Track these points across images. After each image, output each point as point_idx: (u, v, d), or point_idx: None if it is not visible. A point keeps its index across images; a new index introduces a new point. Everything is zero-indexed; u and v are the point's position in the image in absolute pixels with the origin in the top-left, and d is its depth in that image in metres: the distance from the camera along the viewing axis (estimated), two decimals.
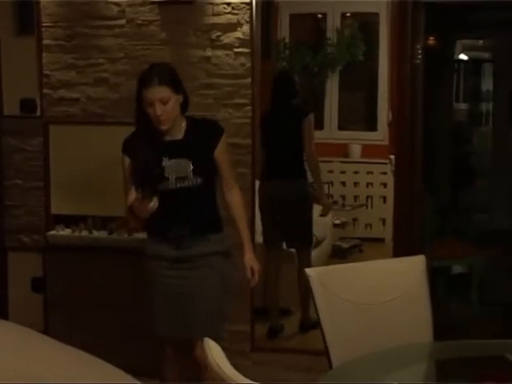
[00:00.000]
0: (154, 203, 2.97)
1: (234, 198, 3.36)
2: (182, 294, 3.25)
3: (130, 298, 4.26)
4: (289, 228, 4.91)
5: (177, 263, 3.25)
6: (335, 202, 6.92)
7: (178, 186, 3.16)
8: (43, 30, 4.33)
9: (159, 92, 3.09)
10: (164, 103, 3.10)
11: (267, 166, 4.97)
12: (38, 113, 4.41)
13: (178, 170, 3.14)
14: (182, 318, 3.27)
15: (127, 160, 3.21)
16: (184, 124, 3.25)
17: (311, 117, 4.93)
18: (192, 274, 3.25)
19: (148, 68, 3.24)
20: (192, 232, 3.23)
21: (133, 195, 3.01)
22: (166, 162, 3.17)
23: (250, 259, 3.34)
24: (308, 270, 2.79)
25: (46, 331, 4.27)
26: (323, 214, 5.13)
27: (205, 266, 3.26)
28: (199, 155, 3.22)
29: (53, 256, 4.43)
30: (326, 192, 6.23)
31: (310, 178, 4.99)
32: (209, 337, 3.43)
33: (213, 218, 3.33)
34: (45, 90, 4.38)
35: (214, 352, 1.94)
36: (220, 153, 3.28)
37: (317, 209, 5.09)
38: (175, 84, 3.17)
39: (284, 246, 5.06)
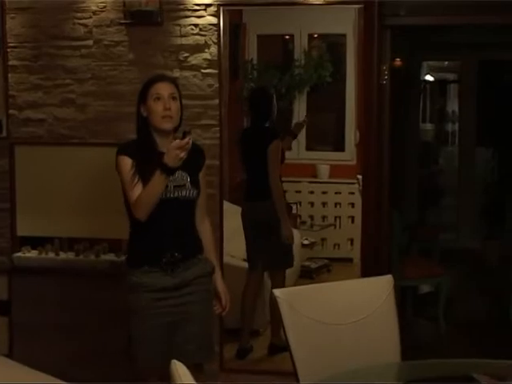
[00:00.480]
0: (190, 136, 2.92)
1: (205, 226, 3.33)
2: (181, 320, 3.15)
3: (98, 320, 4.22)
4: (268, 250, 4.80)
5: (173, 291, 3.13)
6: (303, 223, 6.92)
7: (177, 194, 3.12)
8: (9, 50, 4.31)
9: (170, 88, 3.17)
10: (173, 99, 3.15)
11: (247, 186, 4.92)
12: (4, 134, 4.38)
13: (175, 179, 3.09)
14: (177, 345, 3.14)
15: (128, 160, 3.11)
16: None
17: (276, 143, 4.73)
18: (190, 299, 3.16)
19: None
20: (184, 254, 3.15)
21: (139, 188, 3.01)
22: None
23: (222, 286, 3.32)
24: (276, 291, 2.78)
25: (10, 355, 4.22)
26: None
27: (199, 289, 3.19)
28: (193, 169, 3.19)
29: (19, 278, 4.38)
30: (294, 212, 6.24)
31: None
32: (208, 357, 3.40)
33: (198, 237, 3.29)
34: (11, 111, 4.35)
35: (181, 373, 1.92)
36: (202, 177, 3.28)
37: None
38: (179, 92, 3.23)
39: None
